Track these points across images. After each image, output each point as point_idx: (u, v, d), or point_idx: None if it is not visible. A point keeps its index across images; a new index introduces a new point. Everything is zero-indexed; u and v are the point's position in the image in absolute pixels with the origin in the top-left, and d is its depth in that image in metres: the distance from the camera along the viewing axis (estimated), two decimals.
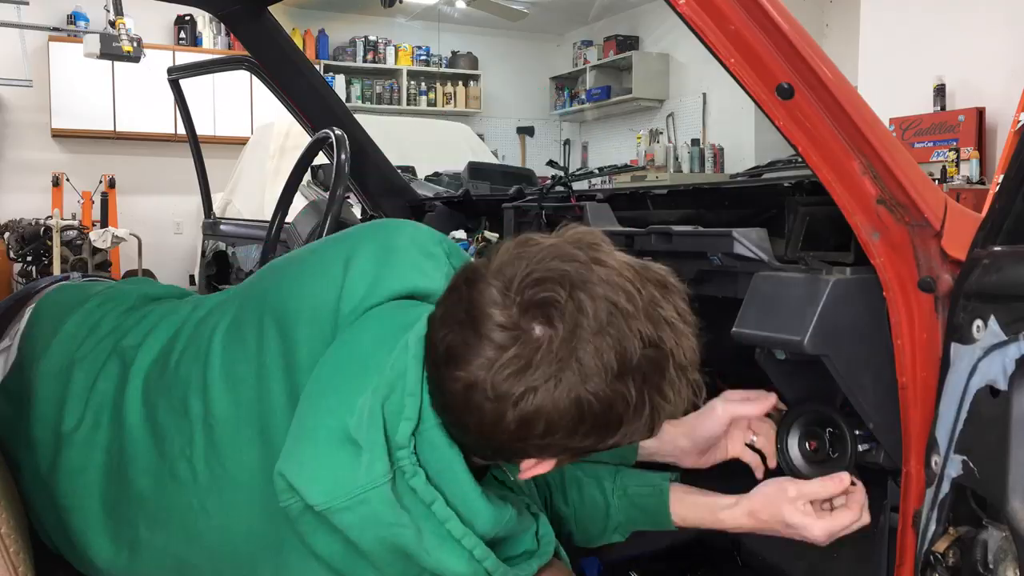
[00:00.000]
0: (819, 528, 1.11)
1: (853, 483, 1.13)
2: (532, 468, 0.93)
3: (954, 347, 0.98)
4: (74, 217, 7.62)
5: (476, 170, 3.30)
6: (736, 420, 1.28)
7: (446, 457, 0.91)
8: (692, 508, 1.21)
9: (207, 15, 8.28)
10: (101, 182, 7.91)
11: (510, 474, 1.06)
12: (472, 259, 1.05)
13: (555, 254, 0.87)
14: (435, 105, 10.04)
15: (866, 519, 1.12)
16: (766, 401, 1.25)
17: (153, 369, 1.11)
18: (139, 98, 7.87)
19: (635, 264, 0.89)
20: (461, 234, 2.22)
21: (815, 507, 1.14)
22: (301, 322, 1.02)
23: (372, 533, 0.89)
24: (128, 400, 1.10)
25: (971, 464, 0.93)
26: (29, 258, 6.89)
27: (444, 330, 0.88)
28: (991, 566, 0.94)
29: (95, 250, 6.87)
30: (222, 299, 1.18)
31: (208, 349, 1.07)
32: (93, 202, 7.87)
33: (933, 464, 0.99)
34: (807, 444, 1.20)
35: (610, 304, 0.84)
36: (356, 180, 2.53)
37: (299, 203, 2.28)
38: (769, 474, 1.25)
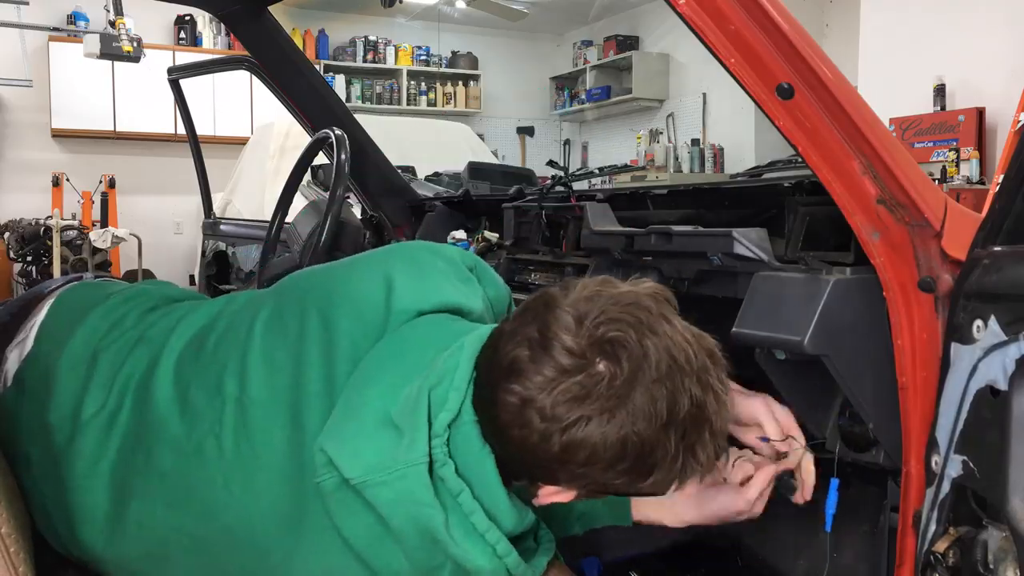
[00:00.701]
0: (744, 502, 1.16)
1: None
2: (552, 495, 0.97)
3: (954, 347, 0.98)
4: (74, 217, 7.63)
5: (476, 170, 3.31)
6: None
7: (477, 454, 0.95)
8: (645, 504, 1.25)
9: (207, 15, 8.28)
10: (101, 182, 7.91)
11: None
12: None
13: (631, 300, 0.92)
14: (435, 105, 10.04)
15: (772, 470, 1.17)
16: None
17: (187, 350, 1.14)
18: (139, 98, 7.88)
19: (694, 330, 0.95)
20: (461, 234, 2.22)
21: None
22: (345, 315, 1.07)
23: (404, 511, 0.93)
24: (158, 379, 1.12)
25: (971, 464, 0.93)
26: (29, 258, 6.89)
27: (512, 344, 0.92)
28: (991, 566, 0.94)
29: (95, 250, 6.87)
30: (257, 295, 1.22)
31: (248, 334, 1.10)
32: (93, 202, 7.87)
33: (933, 464, 0.99)
34: None
35: (671, 358, 0.89)
36: (356, 180, 2.53)
37: (299, 203, 2.29)
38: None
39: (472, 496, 0.94)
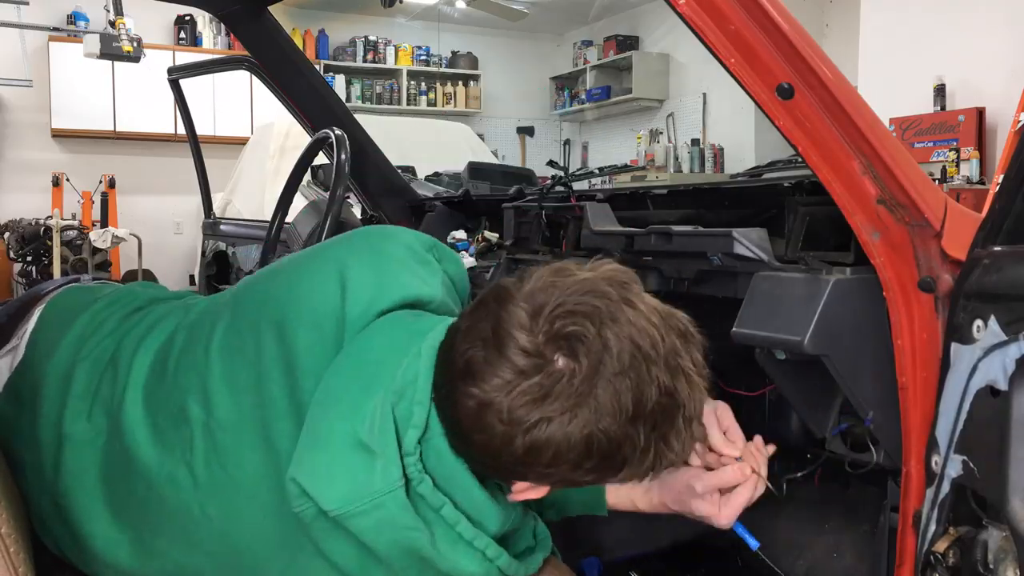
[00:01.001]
0: (723, 517, 1.13)
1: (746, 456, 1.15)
2: (524, 492, 0.94)
3: (954, 347, 0.98)
4: (74, 217, 7.62)
5: (476, 170, 3.30)
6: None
7: (452, 464, 0.92)
8: (615, 494, 1.21)
9: (207, 15, 8.28)
10: (101, 182, 7.91)
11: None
12: (463, 258, 1.05)
13: (588, 288, 0.87)
14: (435, 105, 10.04)
15: (760, 488, 1.14)
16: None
17: (150, 376, 1.11)
18: (139, 98, 7.88)
19: (661, 310, 0.90)
20: (461, 234, 2.22)
21: (721, 493, 1.14)
22: (301, 326, 1.02)
23: (388, 537, 0.90)
24: (127, 405, 1.09)
25: (971, 464, 0.93)
26: (29, 258, 6.89)
27: (466, 344, 0.88)
28: (991, 566, 0.94)
29: (95, 250, 6.87)
30: (213, 304, 1.17)
31: (206, 355, 1.06)
32: (93, 202, 7.87)
33: (933, 464, 0.99)
34: None
35: (634, 347, 0.85)
36: (356, 180, 2.53)
37: (299, 203, 2.28)
38: None
39: (454, 507, 0.91)
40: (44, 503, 1.13)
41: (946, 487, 0.97)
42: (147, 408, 1.08)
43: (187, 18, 8.60)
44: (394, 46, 9.88)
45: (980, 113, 5.03)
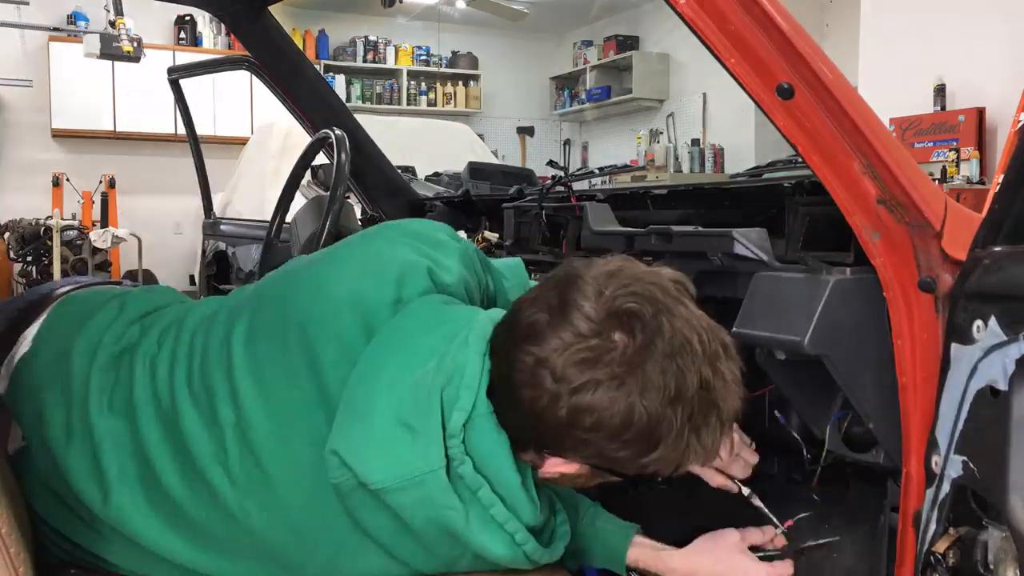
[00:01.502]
0: (764, 570, 1.21)
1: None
2: (557, 466, 0.98)
3: (954, 347, 0.98)
4: (74, 217, 7.62)
5: (476, 170, 3.31)
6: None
7: (494, 446, 0.96)
8: (643, 551, 1.24)
9: (207, 15, 8.28)
10: (101, 182, 7.91)
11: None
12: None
13: (652, 280, 0.94)
14: (435, 105, 10.04)
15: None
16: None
17: (176, 377, 1.11)
18: (139, 98, 7.88)
19: (710, 321, 0.96)
20: (461, 234, 2.22)
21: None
22: (327, 320, 1.05)
23: (424, 513, 0.94)
24: (154, 412, 1.10)
25: (971, 464, 0.93)
26: (29, 258, 6.89)
27: (532, 309, 0.94)
28: (991, 566, 0.94)
29: (95, 250, 6.86)
30: (233, 303, 1.19)
31: (230, 356, 1.09)
32: (93, 202, 7.86)
33: (933, 464, 0.99)
34: None
35: (684, 339, 0.91)
36: (356, 180, 2.53)
37: (299, 203, 2.29)
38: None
39: (491, 491, 0.95)
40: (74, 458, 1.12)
41: (946, 487, 0.97)
42: (172, 412, 1.09)
43: (187, 18, 8.60)
44: (394, 46, 9.88)
45: (980, 113, 5.03)
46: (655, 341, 0.90)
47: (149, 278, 7.38)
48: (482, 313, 1.03)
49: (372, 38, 9.78)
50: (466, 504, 0.94)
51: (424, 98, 10.02)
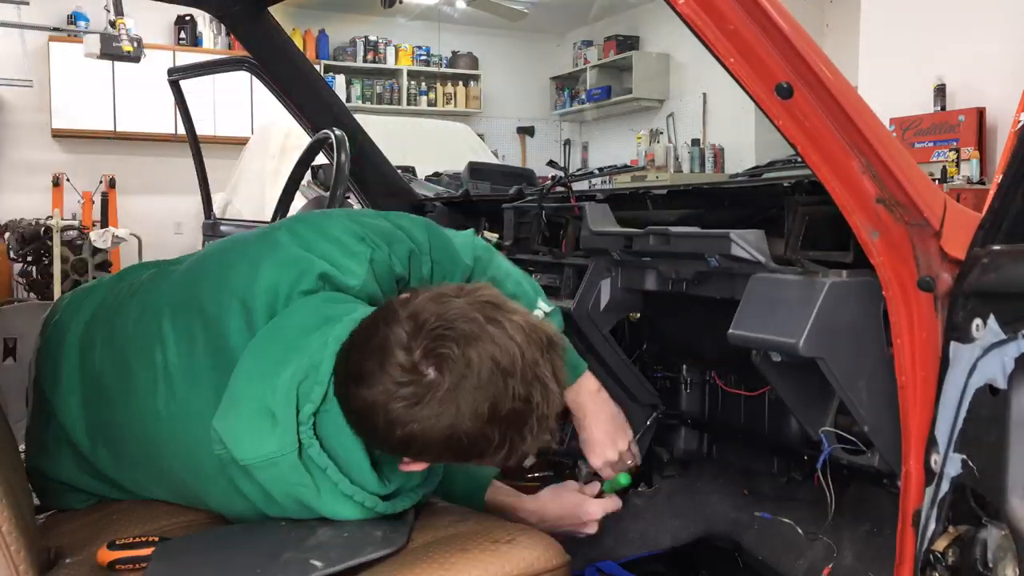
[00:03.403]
0: (599, 505, 1.47)
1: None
2: (409, 465, 1.16)
3: (953, 346, 0.98)
4: (74, 217, 7.63)
5: (476, 170, 3.30)
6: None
7: (343, 434, 1.13)
8: (499, 493, 1.48)
9: (207, 15, 8.28)
10: (101, 182, 7.91)
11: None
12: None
13: (456, 315, 1.08)
14: (435, 105, 10.05)
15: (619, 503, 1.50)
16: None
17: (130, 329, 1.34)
18: (139, 98, 7.87)
19: (526, 326, 1.10)
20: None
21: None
22: (231, 304, 1.23)
23: (281, 488, 1.13)
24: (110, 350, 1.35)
25: (971, 463, 0.94)
26: (29, 258, 6.89)
27: (358, 353, 1.10)
28: (991, 565, 0.94)
29: (95, 250, 6.86)
30: (170, 279, 1.37)
31: (160, 324, 1.29)
32: (93, 202, 7.87)
33: (933, 463, 0.99)
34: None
35: (494, 363, 1.05)
36: (356, 180, 2.53)
37: (299, 203, 2.29)
38: None
39: (338, 469, 1.13)
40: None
41: (945, 486, 0.97)
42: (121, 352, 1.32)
43: (187, 18, 8.59)
44: (394, 46, 9.88)
45: (980, 113, 5.03)
46: (466, 375, 1.04)
47: None
48: (356, 313, 1.17)
49: (372, 38, 9.78)
50: (316, 480, 1.12)
51: (424, 98, 10.02)
